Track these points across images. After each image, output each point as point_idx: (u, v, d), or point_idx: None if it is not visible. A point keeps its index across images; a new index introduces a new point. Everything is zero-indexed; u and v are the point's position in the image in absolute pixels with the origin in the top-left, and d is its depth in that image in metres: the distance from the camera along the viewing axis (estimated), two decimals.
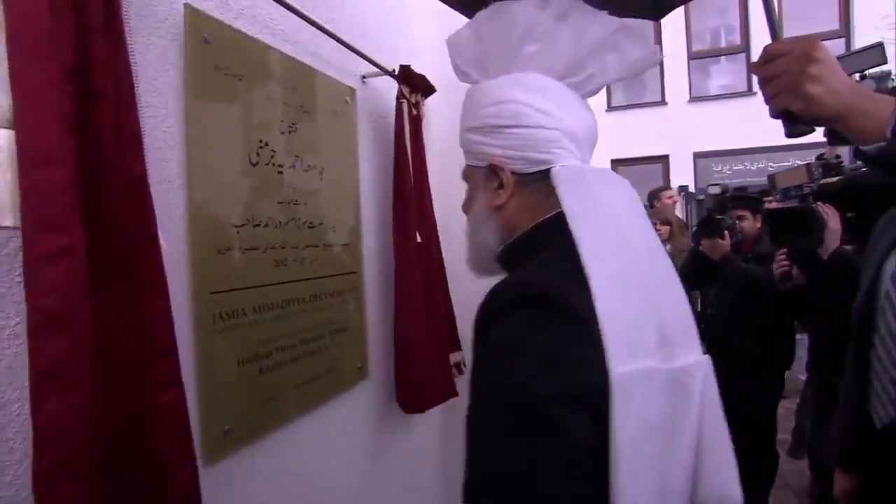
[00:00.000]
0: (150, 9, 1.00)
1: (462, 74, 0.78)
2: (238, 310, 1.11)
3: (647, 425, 0.56)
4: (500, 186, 0.71)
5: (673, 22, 7.61)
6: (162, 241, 0.85)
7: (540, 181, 0.70)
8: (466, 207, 0.79)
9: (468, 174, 0.78)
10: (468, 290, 2.27)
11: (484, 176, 0.73)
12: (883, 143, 0.65)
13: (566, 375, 0.55)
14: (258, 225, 1.18)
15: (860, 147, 0.69)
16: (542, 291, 0.59)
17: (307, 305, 1.35)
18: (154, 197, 0.95)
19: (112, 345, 0.77)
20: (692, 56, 8.16)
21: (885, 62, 2.37)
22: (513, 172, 0.70)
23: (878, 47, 2.20)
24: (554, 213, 0.67)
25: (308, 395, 1.35)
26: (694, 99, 8.12)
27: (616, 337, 0.56)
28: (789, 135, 0.74)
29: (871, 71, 1.64)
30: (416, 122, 1.80)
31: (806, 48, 0.68)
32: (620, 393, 0.55)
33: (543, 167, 0.69)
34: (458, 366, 2.00)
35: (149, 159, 0.96)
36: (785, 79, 0.69)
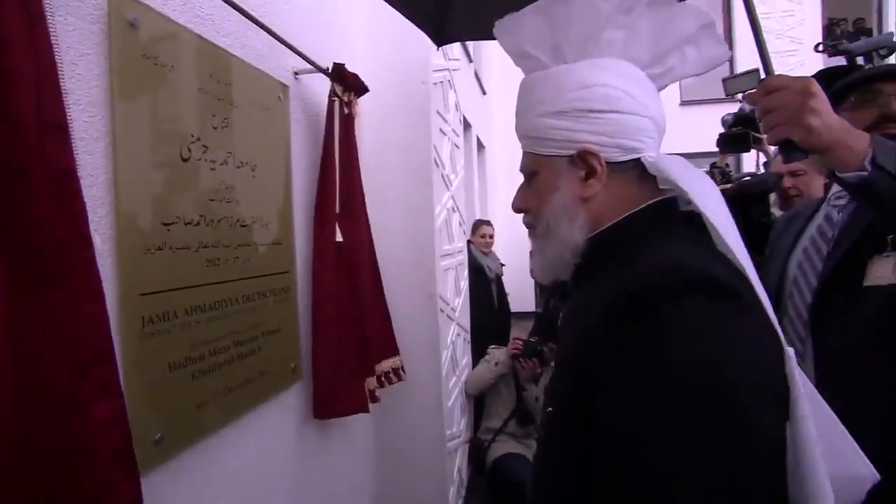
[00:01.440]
0: None
1: (527, 60, 0.72)
2: (169, 312, 1.06)
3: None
4: (589, 176, 0.66)
5: None
6: (96, 240, 0.79)
7: (630, 170, 0.66)
8: (533, 202, 0.72)
9: (536, 165, 0.71)
10: (398, 292, 2.29)
11: (566, 165, 0.67)
12: (864, 173, 0.79)
13: (758, 365, 0.53)
14: (189, 223, 1.13)
15: (838, 174, 0.82)
16: (711, 276, 0.55)
17: (240, 306, 1.31)
18: None
19: (37, 354, 0.70)
20: None
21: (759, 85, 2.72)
22: (605, 161, 0.66)
23: (755, 72, 2.53)
24: (653, 200, 0.66)
25: (242, 398, 1.31)
26: None
27: (775, 323, 0.57)
28: (787, 161, 0.85)
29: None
30: (348, 120, 1.80)
31: (805, 83, 0.79)
32: (797, 377, 0.55)
33: (634, 156, 0.66)
34: (397, 372, 2.00)
35: None
36: (786, 111, 0.78)
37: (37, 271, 0.70)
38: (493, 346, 3.17)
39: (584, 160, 0.66)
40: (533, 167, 0.72)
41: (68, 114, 0.89)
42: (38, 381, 0.70)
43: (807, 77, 0.80)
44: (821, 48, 1.88)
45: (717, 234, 0.61)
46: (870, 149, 0.79)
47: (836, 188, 1.18)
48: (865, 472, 0.63)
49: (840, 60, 1.86)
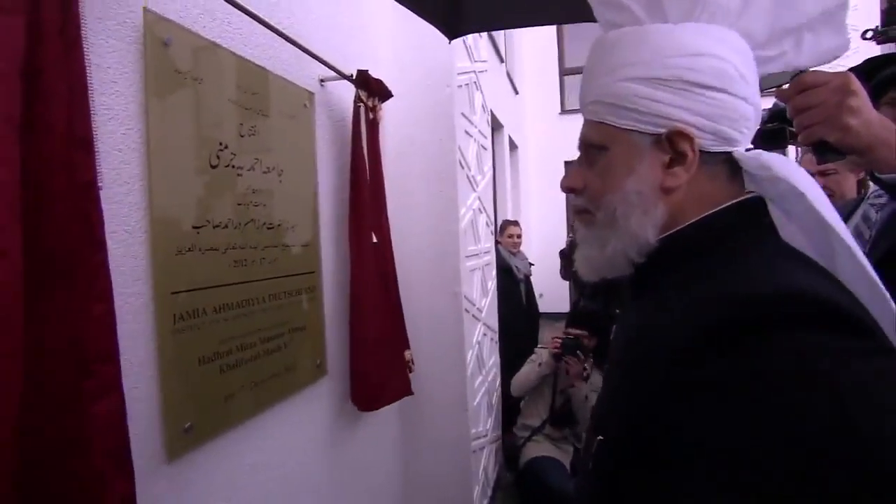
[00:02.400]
0: (110, 11, 1.00)
1: (617, 10, 0.59)
2: (198, 309, 1.13)
3: None
4: (675, 163, 0.55)
5: None
6: (118, 245, 0.84)
7: (720, 164, 0.56)
8: (598, 181, 0.59)
9: (608, 138, 0.58)
10: (423, 291, 2.34)
11: (650, 144, 0.56)
12: None
13: None
14: (218, 226, 1.20)
15: (879, 175, 0.77)
16: (835, 304, 0.43)
17: (266, 305, 1.38)
18: (114, 199, 0.98)
19: (45, 354, 0.75)
20: None
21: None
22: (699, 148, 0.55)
23: None
24: (741, 198, 0.55)
25: (268, 392, 1.38)
26: None
27: None
28: (821, 162, 0.79)
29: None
30: (373, 125, 1.85)
31: (844, 79, 0.71)
32: None
33: (729, 148, 0.55)
34: (408, 364, 2.07)
35: (109, 162, 0.98)
36: (822, 110, 0.72)
37: (49, 270, 0.75)
38: (539, 346, 3.16)
39: (673, 143, 0.55)
40: (602, 140, 0.58)
41: (108, 128, 0.98)
42: (43, 376, 0.74)
43: (845, 72, 0.73)
44: (869, 35, 1.80)
45: (843, 247, 0.50)
46: None
47: (874, 186, 1.14)
48: None
49: (892, 48, 1.77)
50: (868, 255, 1.06)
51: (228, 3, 1.22)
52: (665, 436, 0.44)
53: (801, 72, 0.81)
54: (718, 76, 0.53)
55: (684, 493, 0.42)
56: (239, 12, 1.27)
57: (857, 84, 0.73)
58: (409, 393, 1.95)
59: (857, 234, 1.12)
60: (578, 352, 2.85)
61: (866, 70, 1.24)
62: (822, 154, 0.78)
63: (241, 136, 1.31)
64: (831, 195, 1.68)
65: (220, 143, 1.23)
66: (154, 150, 1.05)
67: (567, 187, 0.63)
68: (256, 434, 1.36)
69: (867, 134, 0.73)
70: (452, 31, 1.40)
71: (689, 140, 0.54)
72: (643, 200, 0.56)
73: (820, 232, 0.53)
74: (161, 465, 1.05)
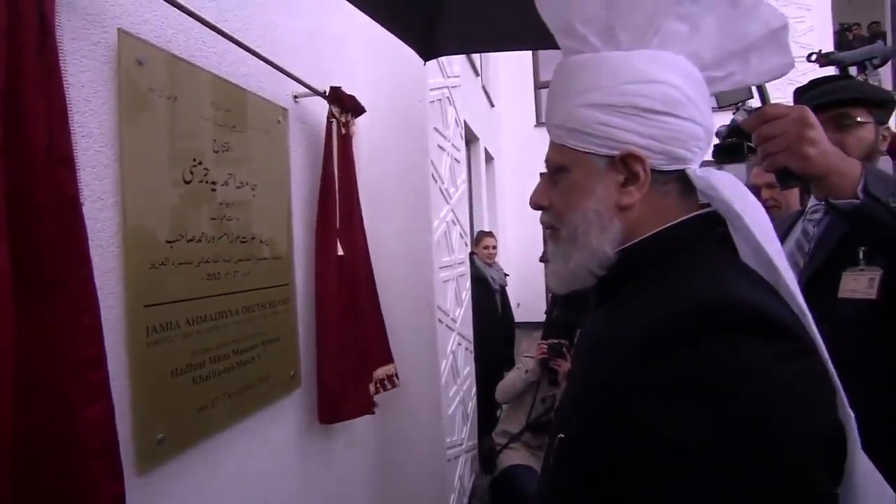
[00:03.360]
0: (84, 31, 1.03)
1: (572, 38, 0.63)
2: (171, 322, 1.15)
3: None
4: (629, 182, 0.60)
5: None
6: (105, 257, 0.88)
7: (672, 182, 0.60)
8: (560, 201, 0.64)
9: (570, 161, 0.63)
10: (397, 303, 2.38)
11: (606, 166, 0.60)
12: (856, 201, 0.82)
13: (818, 422, 0.47)
14: (192, 240, 1.23)
15: (832, 201, 0.85)
16: (766, 313, 0.48)
17: (240, 317, 1.40)
18: (89, 214, 1.00)
19: (37, 361, 0.78)
20: None
21: (752, 96, 2.76)
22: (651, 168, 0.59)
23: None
24: (693, 214, 0.60)
25: (242, 403, 1.39)
26: None
27: (831, 369, 0.50)
28: (784, 187, 0.88)
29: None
30: (346, 140, 1.90)
31: (802, 112, 0.80)
32: (852, 435, 0.50)
33: (680, 167, 0.60)
34: (391, 378, 2.08)
35: (83, 178, 1.00)
36: (784, 140, 0.80)
37: (39, 282, 0.79)
38: (525, 355, 3.22)
39: (626, 164, 0.59)
40: (564, 162, 0.63)
41: (82, 145, 1.00)
42: (35, 382, 0.78)
43: (802, 106, 0.82)
44: (813, 58, 1.93)
45: (772, 267, 0.55)
46: (862, 177, 0.81)
47: (812, 202, 1.23)
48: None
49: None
50: (808, 266, 1.14)
51: (202, 23, 1.26)
52: (621, 433, 0.48)
53: (760, 89, 0.89)
54: (667, 102, 0.58)
55: (638, 485, 0.47)
56: (213, 31, 1.31)
57: (813, 117, 0.81)
58: (370, 412, 1.93)
59: (798, 248, 1.19)
60: (564, 350, 2.95)
61: (814, 88, 1.36)
62: (785, 180, 0.86)
63: (215, 152, 1.34)
64: (777, 206, 1.79)
65: (194, 159, 1.26)
66: (128, 167, 1.07)
67: (535, 204, 0.68)
68: (230, 445, 1.37)
69: (824, 163, 0.81)
70: (427, 53, 1.46)
71: (640, 161, 0.59)
72: (601, 218, 0.60)
73: (757, 250, 0.58)
74: (132, 476, 1.06)
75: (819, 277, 1.09)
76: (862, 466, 0.51)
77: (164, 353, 1.13)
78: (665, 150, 0.59)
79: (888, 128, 1.16)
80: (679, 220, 0.60)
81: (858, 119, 1.11)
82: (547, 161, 0.67)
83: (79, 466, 0.81)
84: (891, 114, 1.18)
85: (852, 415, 0.52)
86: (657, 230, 0.60)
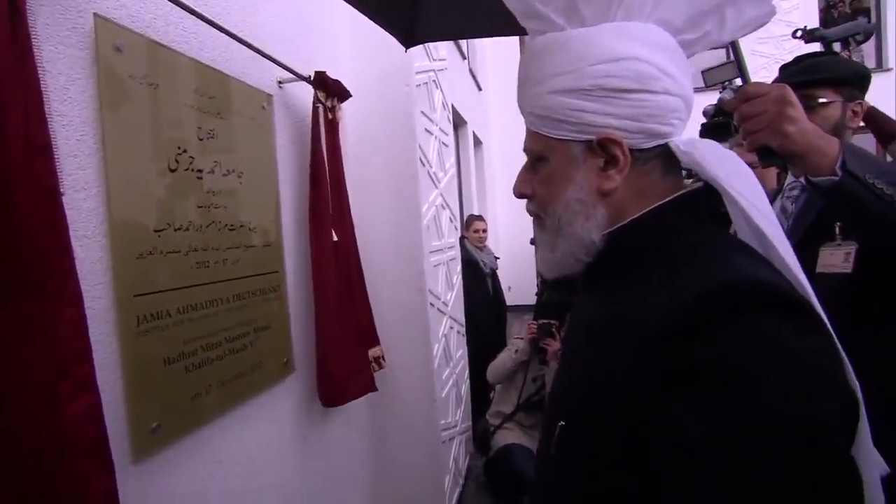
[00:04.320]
0: (58, 17, 1.01)
1: (535, 19, 0.60)
2: (162, 311, 1.15)
3: None
4: (610, 165, 0.57)
5: None
6: (78, 250, 0.87)
7: (655, 158, 0.58)
8: (541, 190, 0.63)
9: (547, 149, 0.61)
10: (388, 288, 2.39)
11: (583, 152, 0.58)
12: (835, 178, 0.83)
13: (840, 393, 0.46)
14: (179, 229, 1.22)
15: (812, 178, 0.86)
16: (785, 293, 0.48)
17: (231, 305, 1.40)
18: (72, 205, 0.99)
19: (19, 358, 0.77)
20: None
21: (738, 76, 2.77)
22: (629, 149, 0.57)
23: (733, 63, 2.59)
24: (683, 191, 0.58)
25: (235, 390, 1.40)
26: None
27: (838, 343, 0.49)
28: (765, 165, 0.89)
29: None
30: (332, 125, 1.88)
31: (782, 91, 0.81)
32: (862, 407, 0.49)
33: (662, 141, 0.57)
34: (378, 360, 2.10)
35: (65, 168, 0.98)
36: (765, 117, 0.81)
37: (20, 279, 0.78)
38: (515, 337, 3.26)
39: (604, 148, 0.57)
40: (541, 151, 0.62)
41: (62, 134, 0.99)
42: (19, 380, 0.77)
43: (782, 84, 0.83)
44: (798, 34, 1.94)
45: (768, 242, 0.53)
46: (840, 154, 0.83)
47: (790, 179, 1.25)
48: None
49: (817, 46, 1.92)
50: None
51: (180, 6, 1.23)
52: (638, 424, 0.47)
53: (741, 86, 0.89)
54: (638, 78, 0.55)
55: (675, 483, 0.44)
56: (192, 16, 1.28)
57: (793, 95, 0.82)
58: (373, 389, 1.98)
59: None
60: (553, 330, 2.99)
61: (785, 67, 1.37)
62: (766, 158, 0.87)
63: (200, 140, 1.32)
64: None
65: (179, 147, 1.24)
66: (111, 156, 1.06)
67: (519, 194, 0.66)
68: (225, 432, 1.38)
69: (803, 141, 0.82)
70: (408, 41, 1.44)
71: (618, 144, 0.56)
72: (584, 206, 0.59)
73: (749, 222, 0.56)
74: (128, 465, 1.07)
75: (797, 253, 1.12)
76: (864, 432, 0.50)
77: (155, 342, 1.13)
78: (643, 128, 0.56)
79: (860, 102, 1.18)
80: (667, 200, 0.58)
81: (821, 100, 1.13)
82: (525, 149, 0.65)
83: (66, 462, 0.81)
84: (864, 88, 1.19)
85: (857, 384, 0.51)
86: (644, 211, 0.58)
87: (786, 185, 1.24)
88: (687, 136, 0.60)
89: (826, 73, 1.16)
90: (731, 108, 0.87)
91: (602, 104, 0.56)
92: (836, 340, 0.49)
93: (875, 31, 8.09)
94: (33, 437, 0.78)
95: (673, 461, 0.44)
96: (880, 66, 7.75)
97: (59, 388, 0.81)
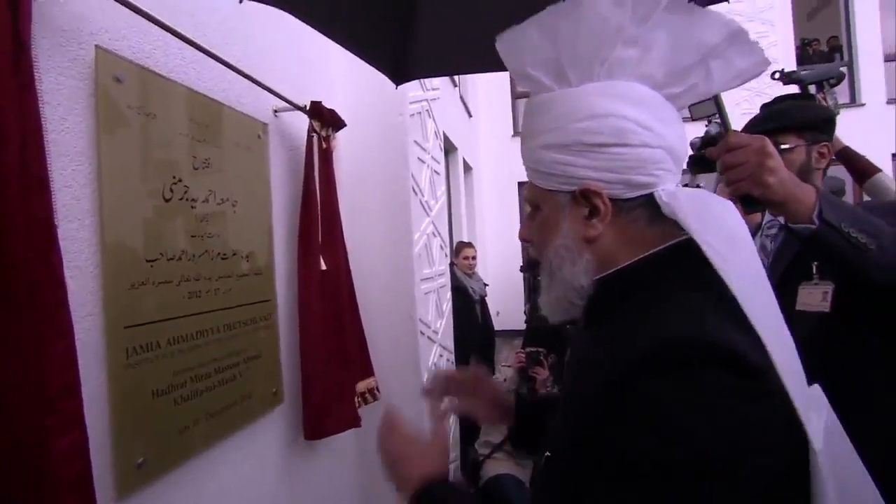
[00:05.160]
0: (60, 49, 1.02)
1: (527, 80, 0.65)
2: (152, 342, 1.13)
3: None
4: (593, 214, 0.61)
5: None
6: (69, 281, 0.86)
7: (640, 207, 0.61)
8: (536, 236, 0.68)
9: (540, 198, 0.67)
10: (379, 316, 2.37)
11: (569, 202, 0.62)
12: (812, 226, 0.88)
13: (762, 454, 0.48)
14: (172, 259, 1.21)
15: (790, 225, 0.91)
16: (730, 351, 0.50)
17: (221, 335, 1.38)
18: (66, 235, 0.98)
19: (8, 389, 0.76)
20: None
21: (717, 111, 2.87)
22: (610, 198, 0.60)
23: (714, 98, 2.68)
24: (671, 242, 0.60)
25: (224, 422, 1.37)
26: None
27: (801, 404, 0.51)
28: (748, 212, 0.93)
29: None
30: (327, 154, 1.90)
31: (762, 143, 0.86)
32: (823, 467, 0.51)
33: (645, 191, 0.60)
34: (372, 392, 2.07)
35: (60, 198, 0.98)
36: (747, 168, 0.87)
37: (10, 309, 0.76)
38: (503, 365, 3.23)
39: (586, 198, 0.61)
40: (536, 200, 0.67)
41: (58, 164, 0.98)
42: (6, 413, 0.75)
43: (762, 137, 0.88)
44: (777, 76, 2.02)
45: (736, 293, 0.54)
46: (817, 203, 0.88)
47: (768, 218, 1.29)
48: None
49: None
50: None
51: (179, 38, 1.25)
52: (597, 448, 0.52)
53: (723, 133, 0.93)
54: (616, 133, 0.59)
55: (602, 493, 0.50)
56: (191, 47, 1.30)
57: (771, 147, 0.87)
58: (357, 425, 1.92)
59: None
60: (542, 358, 2.97)
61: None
62: (748, 205, 0.92)
63: (195, 169, 1.32)
64: None
65: (174, 177, 1.24)
66: (106, 186, 1.06)
67: (522, 238, 0.72)
68: (213, 465, 1.35)
69: (782, 191, 0.87)
70: (398, 78, 1.47)
71: (598, 194, 0.60)
72: (570, 252, 0.63)
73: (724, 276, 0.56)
74: (111, 502, 1.03)
75: (778, 290, 1.14)
76: (827, 482, 0.51)
77: (144, 375, 1.11)
78: (622, 179, 0.60)
79: (826, 144, 1.22)
80: (652, 252, 0.60)
81: (783, 147, 1.17)
82: (525, 199, 0.71)
83: (49, 498, 0.79)
84: (829, 130, 1.24)
85: (826, 471, 0.52)
86: (631, 262, 0.61)
87: (764, 223, 1.28)
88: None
89: (789, 119, 1.21)
90: (714, 156, 0.92)
91: (582, 158, 0.60)
92: (788, 401, 0.51)
93: (848, 69, 8.45)
94: (16, 472, 0.76)
95: (597, 475, 0.51)
96: (854, 101, 8.06)
97: (47, 423, 0.79)
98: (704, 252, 0.55)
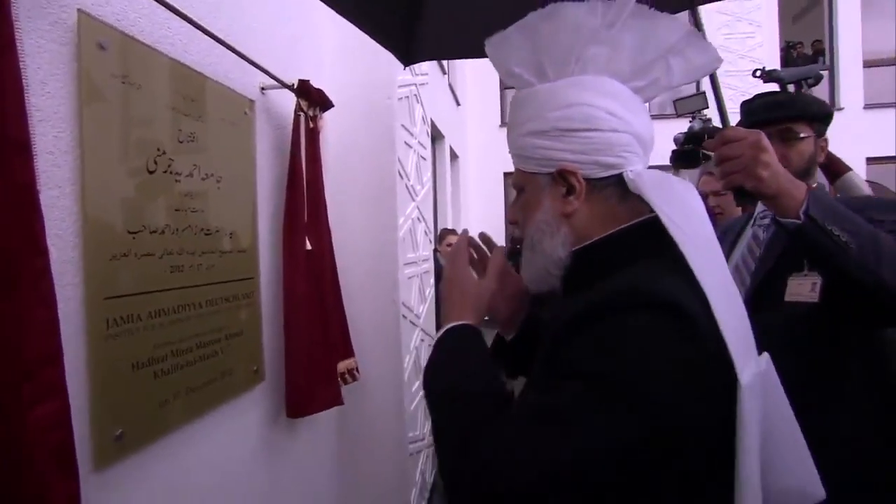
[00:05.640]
0: (41, 10, 0.99)
1: (513, 78, 0.74)
2: (132, 315, 1.12)
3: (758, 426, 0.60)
4: (570, 193, 0.69)
5: None
6: (64, 247, 0.85)
7: (611, 186, 0.69)
8: (521, 216, 0.76)
9: (524, 181, 0.75)
10: (361, 298, 2.38)
11: (549, 182, 0.71)
12: (798, 221, 0.90)
13: (693, 382, 0.57)
14: (154, 232, 1.20)
15: (779, 219, 0.94)
16: (670, 300, 0.58)
17: (203, 310, 1.37)
18: (46, 202, 0.96)
19: None
20: None
21: (707, 106, 2.90)
22: (584, 178, 0.68)
23: (702, 94, 2.71)
24: (639, 219, 0.68)
25: (204, 398, 1.37)
26: None
27: (735, 348, 0.59)
28: (740, 204, 0.95)
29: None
30: (313, 134, 1.88)
31: (756, 137, 0.90)
32: (747, 401, 0.58)
33: (615, 172, 0.68)
34: (352, 372, 2.08)
35: (40, 165, 0.95)
36: (741, 161, 0.89)
37: None
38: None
39: (563, 178, 0.69)
40: (520, 183, 0.76)
41: (39, 129, 0.96)
42: None
43: (757, 131, 0.92)
44: (758, 74, 2.06)
45: (689, 258, 0.62)
46: (806, 200, 0.90)
47: (760, 208, 1.31)
48: (813, 489, 0.67)
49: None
50: (758, 269, 1.22)
51: (166, 7, 1.22)
52: (549, 366, 0.62)
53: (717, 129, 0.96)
54: (587, 119, 0.67)
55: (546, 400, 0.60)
56: (178, 17, 1.28)
57: (766, 141, 0.90)
58: (339, 403, 1.94)
59: (749, 252, 1.27)
60: None
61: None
62: (741, 197, 0.96)
63: (180, 142, 1.31)
64: (721, 213, 1.90)
65: (158, 149, 1.22)
66: (88, 154, 1.04)
67: (510, 220, 0.81)
68: (192, 440, 1.35)
69: (775, 185, 0.90)
70: (407, 58, 1.47)
71: (573, 174, 0.68)
72: (549, 227, 0.71)
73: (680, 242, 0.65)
74: (89, 473, 1.03)
75: (768, 281, 1.16)
76: (752, 462, 0.59)
77: (124, 347, 1.10)
78: (594, 160, 0.68)
79: (825, 139, 1.26)
80: (622, 227, 0.68)
81: (801, 135, 1.20)
82: (512, 184, 0.80)
83: (29, 467, 0.78)
84: (828, 126, 1.27)
85: (748, 404, 0.59)
86: (603, 235, 0.69)
87: (757, 213, 1.30)
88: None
89: (801, 109, 1.23)
90: (711, 149, 0.95)
91: (558, 142, 0.69)
92: (723, 346, 0.59)
93: (829, 72, 8.62)
94: None
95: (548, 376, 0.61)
96: (833, 104, 8.25)
97: (24, 390, 0.78)
98: (663, 222, 0.63)
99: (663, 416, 0.56)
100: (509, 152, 0.76)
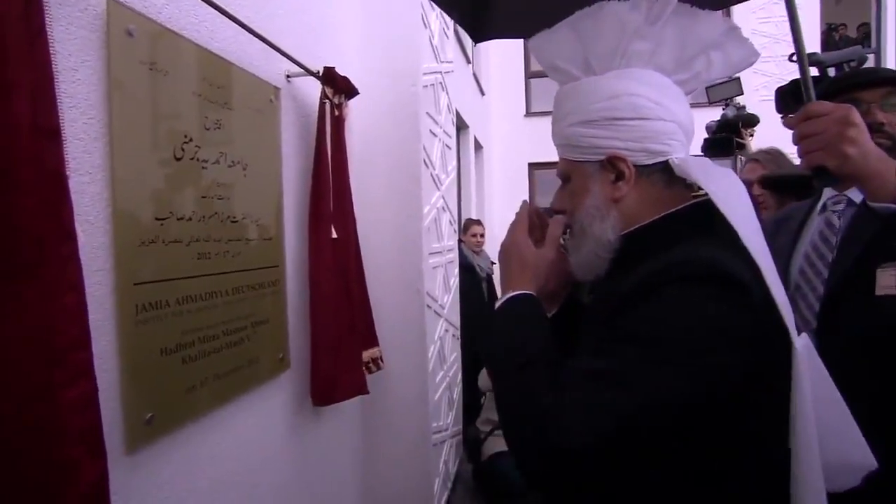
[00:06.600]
0: None
1: (558, 73, 0.79)
2: (161, 301, 1.13)
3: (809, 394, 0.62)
4: (619, 178, 0.73)
5: None
6: (80, 235, 0.85)
7: (657, 172, 0.72)
8: (568, 203, 0.79)
9: (571, 170, 0.78)
10: (386, 287, 2.37)
11: (597, 169, 0.74)
12: (893, 206, 0.78)
13: (747, 346, 0.61)
14: (182, 218, 1.20)
15: (870, 204, 0.82)
16: (726, 269, 0.62)
17: (229, 297, 1.38)
18: (75, 189, 0.97)
19: (15, 341, 0.75)
20: None
21: (741, 93, 2.79)
22: (633, 164, 0.72)
23: (737, 80, 2.60)
24: (689, 202, 0.72)
25: (230, 384, 1.38)
26: None
27: (788, 320, 0.62)
28: (819, 185, 0.85)
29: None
30: (338, 122, 1.87)
31: (845, 111, 0.78)
32: (802, 363, 0.61)
33: (661, 158, 0.71)
34: (376, 361, 2.08)
35: (70, 151, 0.97)
36: (824, 137, 0.78)
37: (14, 264, 0.75)
38: None
39: (613, 164, 0.73)
40: (567, 172, 0.79)
41: (69, 115, 0.97)
42: (12, 365, 0.75)
43: (847, 105, 0.80)
44: (794, 58, 1.95)
45: (737, 234, 0.64)
46: None
47: (830, 193, 1.16)
48: (864, 460, 0.68)
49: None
50: (837, 261, 1.07)
51: None
52: (610, 329, 0.66)
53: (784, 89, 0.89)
54: (634, 109, 0.71)
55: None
56: (205, 4, 1.27)
57: (857, 117, 0.78)
58: (365, 392, 1.95)
59: (823, 240, 1.13)
60: None
61: (798, 89, 1.34)
62: (820, 179, 0.83)
63: (206, 129, 1.31)
64: (763, 203, 1.80)
65: (185, 136, 1.23)
66: (117, 141, 1.04)
67: (554, 209, 0.83)
68: (218, 426, 1.36)
69: (864, 164, 0.78)
70: (478, 36, 1.44)
71: (623, 160, 0.72)
72: (599, 211, 0.74)
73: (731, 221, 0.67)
74: (120, 456, 1.04)
75: (854, 275, 1.03)
76: (808, 429, 0.61)
77: (153, 332, 1.11)
78: (643, 147, 0.71)
79: None
80: (671, 211, 0.72)
81: None
82: (557, 173, 0.82)
83: (57, 450, 0.79)
84: None
85: (804, 372, 0.62)
86: (652, 219, 0.72)
87: (828, 198, 1.15)
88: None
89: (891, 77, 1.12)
90: (791, 124, 0.85)
91: (606, 130, 0.72)
92: (787, 327, 0.63)
93: (874, 55, 8.19)
94: (24, 424, 0.76)
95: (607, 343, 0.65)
96: None
97: (54, 375, 0.79)
98: (713, 201, 0.66)
99: (719, 379, 0.60)
100: (554, 143, 0.79)
